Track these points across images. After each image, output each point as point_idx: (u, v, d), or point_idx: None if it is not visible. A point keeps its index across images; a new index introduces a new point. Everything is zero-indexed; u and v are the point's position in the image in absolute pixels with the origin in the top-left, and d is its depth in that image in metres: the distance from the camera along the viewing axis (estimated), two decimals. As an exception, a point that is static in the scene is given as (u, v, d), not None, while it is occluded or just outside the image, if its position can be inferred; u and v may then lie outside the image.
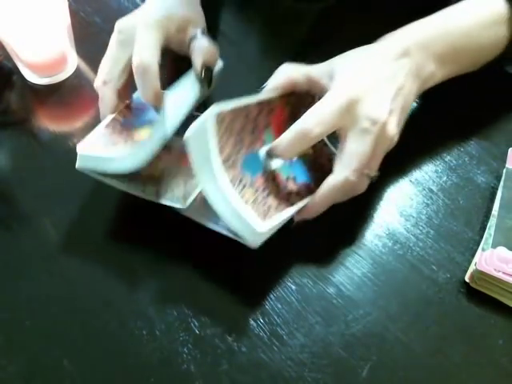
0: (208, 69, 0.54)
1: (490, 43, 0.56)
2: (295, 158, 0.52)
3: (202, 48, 0.54)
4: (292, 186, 0.51)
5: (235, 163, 0.47)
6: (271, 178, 0.50)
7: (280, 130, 0.51)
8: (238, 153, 0.48)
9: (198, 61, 0.54)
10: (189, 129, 0.45)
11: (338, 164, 0.48)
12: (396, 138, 0.49)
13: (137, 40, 0.52)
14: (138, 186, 0.50)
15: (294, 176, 0.51)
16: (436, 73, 0.53)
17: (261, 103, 0.50)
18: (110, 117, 0.54)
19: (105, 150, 0.50)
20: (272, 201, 0.48)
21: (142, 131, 0.53)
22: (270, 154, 0.48)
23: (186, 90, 0.54)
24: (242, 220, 0.45)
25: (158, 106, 0.52)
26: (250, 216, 0.45)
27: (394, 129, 0.48)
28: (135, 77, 0.51)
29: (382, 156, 0.49)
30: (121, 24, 0.54)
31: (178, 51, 0.56)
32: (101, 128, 0.53)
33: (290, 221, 0.49)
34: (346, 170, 0.47)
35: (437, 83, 0.54)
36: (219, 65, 0.57)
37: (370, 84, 0.48)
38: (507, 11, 0.55)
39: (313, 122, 0.46)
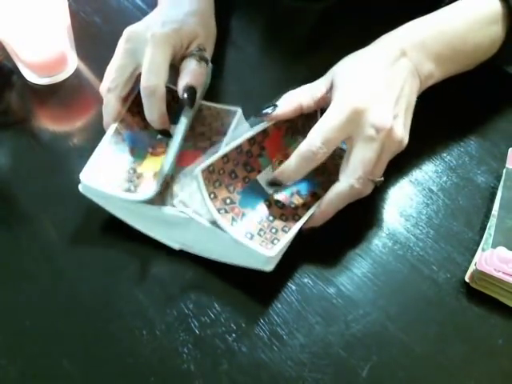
0: (191, 90, 0.53)
1: (487, 42, 0.56)
2: None
3: (189, 69, 0.54)
4: (298, 200, 0.51)
5: (233, 202, 0.49)
6: (274, 202, 0.50)
7: (276, 150, 0.52)
8: (234, 190, 0.49)
9: (181, 82, 0.53)
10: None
11: (344, 171, 0.48)
12: (405, 140, 0.50)
13: (146, 58, 0.52)
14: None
15: (297, 190, 0.51)
16: (434, 72, 0.53)
17: (253, 137, 0.51)
18: (113, 128, 0.54)
19: (108, 180, 0.50)
20: (278, 223, 0.49)
21: (144, 162, 0.53)
22: (276, 182, 0.49)
23: (181, 120, 0.54)
24: (250, 252, 0.46)
25: (160, 128, 0.53)
26: (257, 246, 0.46)
27: (400, 132, 0.48)
28: (142, 97, 0.52)
29: (387, 161, 0.49)
30: (129, 32, 0.54)
31: (177, 64, 0.56)
32: (104, 146, 0.53)
33: (300, 232, 0.49)
34: (351, 178, 0.47)
35: (436, 82, 0.54)
36: (209, 66, 0.57)
37: (372, 92, 0.48)
38: (502, 10, 0.55)
39: (319, 141, 0.47)
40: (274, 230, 0.48)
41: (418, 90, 0.52)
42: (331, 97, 0.49)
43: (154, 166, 0.52)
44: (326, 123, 0.47)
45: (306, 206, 0.50)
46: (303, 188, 0.52)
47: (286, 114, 0.50)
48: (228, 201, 0.49)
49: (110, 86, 0.53)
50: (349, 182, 0.47)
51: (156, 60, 0.52)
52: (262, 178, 0.51)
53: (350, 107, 0.47)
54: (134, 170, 0.52)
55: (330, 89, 0.50)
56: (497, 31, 0.56)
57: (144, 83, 0.51)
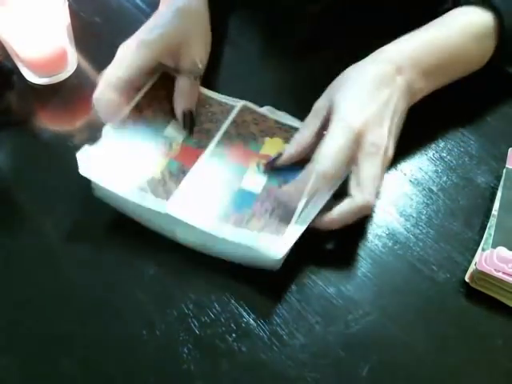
0: (188, 116, 0.55)
1: (478, 55, 0.57)
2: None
3: (183, 91, 0.55)
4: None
5: (227, 214, 0.49)
6: (266, 196, 0.51)
7: (243, 156, 0.54)
8: (225, 203, 0.50)
9: (178, 107, 0.55)
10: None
11: (357, 189, 0.48)
12: (392, 155, 0.51)
13: (116, 57, 0.53)
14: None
15: (284, 179, 0.52)
16: (425, 88, 0.54)
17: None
18: (119, 118, 0.54)
19: (113, 174, 0.51)
20: (277, 212, 0.49)
21: (148, 160, 0.53)
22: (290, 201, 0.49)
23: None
24: (255, 252, 0.47)
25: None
26: (262, 247, 0.47)
27: (392, 149, 0.50)
28: None
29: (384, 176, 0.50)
30: (122, 45, 0.54)
31: (173, 70, 0.56)
32: (108, 133, 0.53)
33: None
34: (366, 194, 0.47)
35: (423, 96, 0.55)
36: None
37: (371, 113, 0.49)
38: (494, 23, 0.56)
39: (331, 164, 0.47)
40: (276, 221, 0.49)
41: (407, 107, 0.53)
42: (331, 116, 0.50)
43: (159, 167, 0.53)
44: (333, 147, 0.48)
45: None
46: (289, 177, 0.52)
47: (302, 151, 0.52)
48: (222, 214, 0.49)
49: (96, 95, 0.53)
50: (365, 198, 0.48)
51: (124, 56, 0.53)
52: (247, 182, 0.52)
53: (352, 130, 0.48)
54: (140, 169, 0.52)
55: (331, 111, 0.50)
56: (489, 43, 0.57)
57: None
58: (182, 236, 0.51)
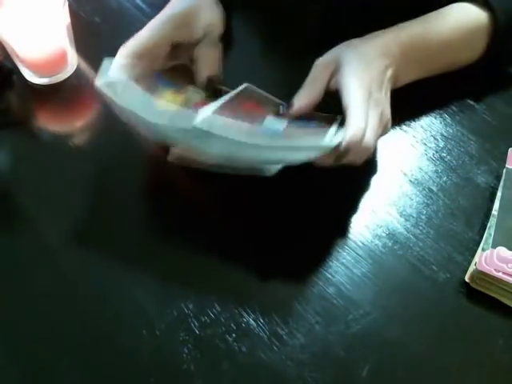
0: (211, 82, 0.56)
1: (468, 51, 0.58)
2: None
3: (202, 58, 0.56)
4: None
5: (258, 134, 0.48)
6: (291, 131, 0.51)
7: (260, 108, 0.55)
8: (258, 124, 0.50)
9: (201, 74, 0.56)
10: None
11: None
12: (390, 124, 0.52)
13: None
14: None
15: (303, 124, 0.52)
16: (406, 75, 0.56)
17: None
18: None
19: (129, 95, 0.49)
20: (308, 136, 0.50)
21: (165, 94, 0.53)
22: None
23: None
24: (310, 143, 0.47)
25: None
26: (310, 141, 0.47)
27: (389, 113, 0.51)
28: None
29: (380, 132, 0.51)
30: None
31: (188, 46, 0.57)
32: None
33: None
34: (368, 138, 0.48)
35: (405, 83, 0.57)
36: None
37: (374, 76, 0.51)
38: (488, 20, 0.57)
39: (363, 116, 0.48)
40: (311, 136, 0.49)
41: (391, 87, 0.54)
42: (341, 71, 0.51)
43: (173, 99, 0.52)
44: (359, 102, 0.49)
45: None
46: (308, 125, 0.52)
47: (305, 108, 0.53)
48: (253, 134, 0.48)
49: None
50: (366, 141, 0.48)
51: (139, 34, 0.53)
52: (268, 123, 0.52)
53: (367, 90, 0.50)
54: (154, 92, 0.52)
55: (338, 68, 0.52)
56: (480, 40, 0.58)
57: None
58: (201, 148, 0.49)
